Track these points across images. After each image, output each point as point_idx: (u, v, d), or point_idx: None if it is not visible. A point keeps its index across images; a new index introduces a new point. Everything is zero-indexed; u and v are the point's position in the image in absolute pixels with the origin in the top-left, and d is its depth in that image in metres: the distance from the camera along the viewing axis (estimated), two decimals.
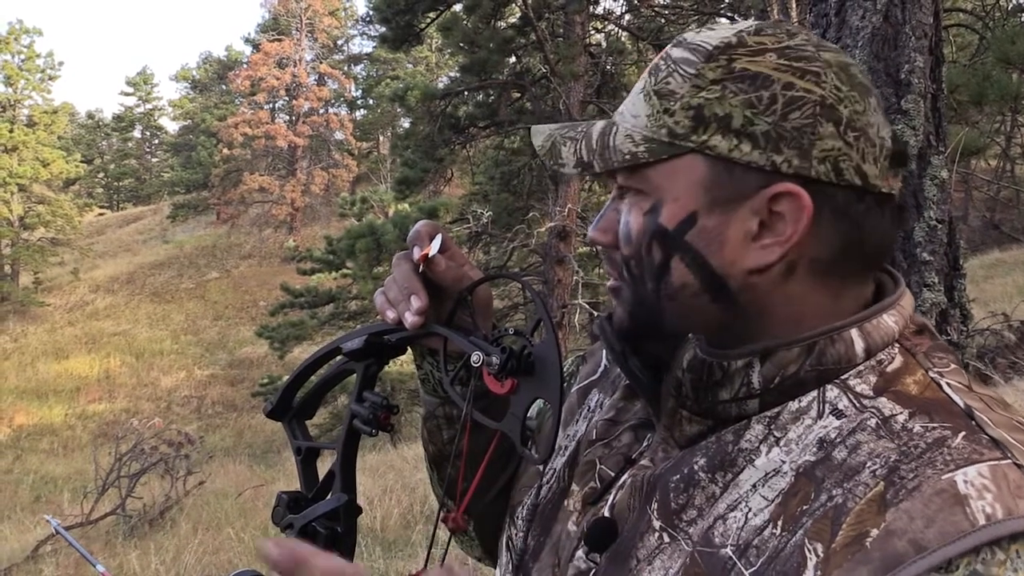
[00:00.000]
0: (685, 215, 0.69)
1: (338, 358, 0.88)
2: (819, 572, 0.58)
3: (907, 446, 0.61)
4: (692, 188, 0.69)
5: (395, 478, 7.57)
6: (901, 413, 0.64)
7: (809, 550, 0.59)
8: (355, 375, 0.87)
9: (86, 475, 13.36)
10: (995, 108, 7.74)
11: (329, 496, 0.84)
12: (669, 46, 0.74)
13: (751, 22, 0.72)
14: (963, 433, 0.61)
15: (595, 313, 10.60)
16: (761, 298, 0.69)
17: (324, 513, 0.81)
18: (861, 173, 0.67)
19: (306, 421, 0.93)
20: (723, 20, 13.65)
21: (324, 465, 0.88)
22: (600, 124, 0.75)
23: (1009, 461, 0.58)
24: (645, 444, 0.78)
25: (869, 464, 0.61)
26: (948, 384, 0.66)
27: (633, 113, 0.72)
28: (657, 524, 0.70)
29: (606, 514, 0.74)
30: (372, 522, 6.07)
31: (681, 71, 0.69)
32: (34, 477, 20.26)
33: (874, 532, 0.57)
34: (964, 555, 0.55)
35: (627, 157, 0.70)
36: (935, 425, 0.62)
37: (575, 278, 11.88)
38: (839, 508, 0.60)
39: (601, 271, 14.00)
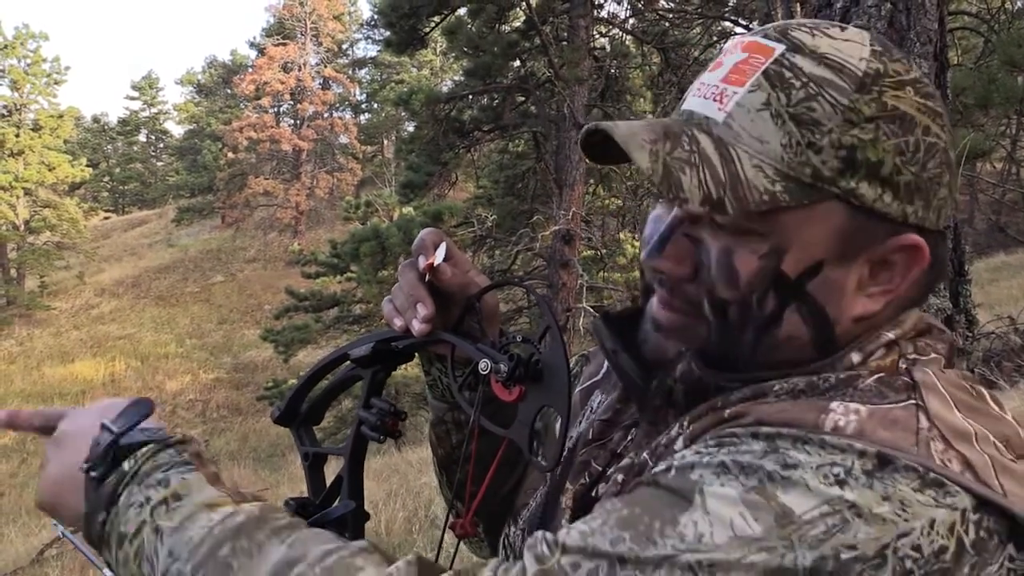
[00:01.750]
0: (812, 263, 0.63)
1: (345, 364, 0.88)
2: (685, 441, 0.63)
3: (819, 380, 0.62)
4: (827, 237, 0.62)
5: (399, 482, 7.57)
6: (843, 376, 0.64)
7: (682, 432, 0.64)
8: (362, 381, 0.87)
9: None
10: (1000, 111, 7.73)
11: (336, 503, 0.84)
12: (779, 46, 0.63)
13: (868, 34, 0.65)
14: (878, 376, 0.60)
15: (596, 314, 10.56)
16: (849, 340, 0.66)
17: (332, 520, 0.81)
18: (948, 217, 0.66)
19: (313, 427, 0.94)
20: (726, 24, 13.64)
21: (331, 470, 0.89)
22: (708, 140, 0.63)
23: (911, 403, 0.58)
24: (629, 439, 0.78)
25: (776, 388, 0.63)
26: (915, 361, 0.65)
27: (759, 136, 0.62)
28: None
29: None
30: (376, 526, 6.06)
31: (831, 97, 0.61)
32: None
33: (737, 409, 0.61)
34: (785, 437, 0.55)
35: (765, 199, 0.61)
36: (857, 373, 0.62)
37: (580, 282, 11.87)
38: (721, 419, 0.63)
39: (605, 274, 13.99)
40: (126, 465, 0.72)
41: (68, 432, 0.79)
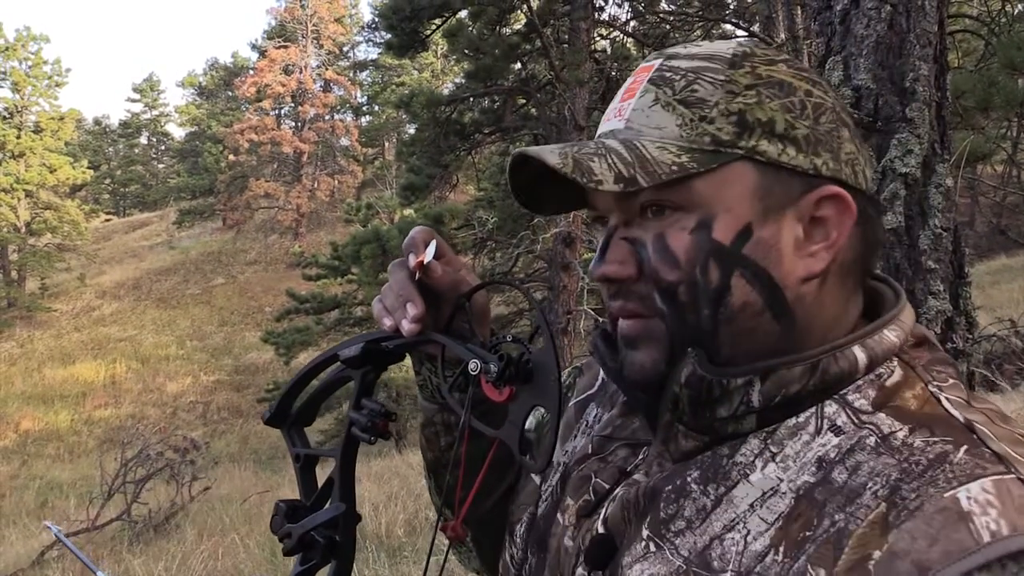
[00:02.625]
0: (741, 227, 0.66)
1: (336, 365, 0.87)
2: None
3: (908, 463, 0.60)
4: (745, 197, 0.66)
5: (400, 484, 7.56)
6: (901, 429, 0.62)
7: (810, 574, 0.58)
8: (353, 382, 0.86)
9: (92, 481, 13.39)
10: (1001, 113, 7.72)
11: (327, 505, 0.83)
12: (657, 60, 0.71)
13: (731, 41, 0.72)
14: (965, 447, 0.59)
15: (600, 319, 10.59)
16: (808, 307, 0.68)
17: (322, 523, 0.81)
18: (866, 177, 0.69)
19: (305, 428, 0.93)
20: (728, 27, 13.66)
21: (326, 470, 0.88)
22: (610, 142, 0.69)
23: (1013, 476, 0.57)
24: (640, 458, 0.76)
25: (870, 485, 0.59)
26: (947, 399, 0.65)
27: (656, 124, 0.68)
28: (645, 533, 0.69)
29: (599, 528, 0.73)
30: (377, 528, 6.05)
31: (708, 78, 0.67)
32: (40, 482, 20.27)
33: (876, 554, 0.56)
34: (968, 573, 0.53)
35: (674, 168, 0.65)
36: (936, 440, 0.61)
37: (580, 284, 11.86)
38: (841, 532, 0.58)
39: None
40: None
41: None
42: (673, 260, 0.67)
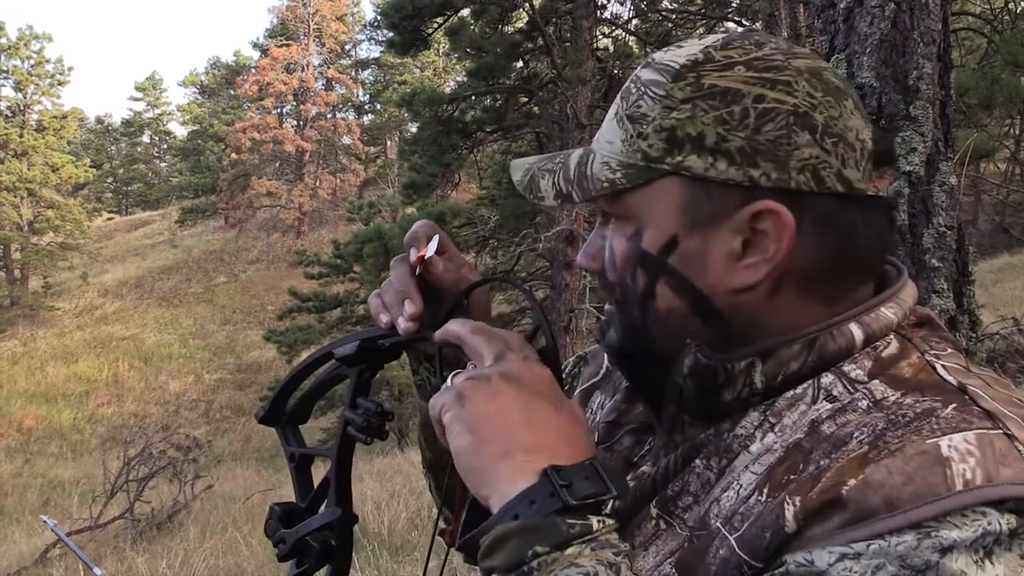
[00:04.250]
0: (666, 239, 0.69)
1: (330, 363, 0.85)
2: (797, 521, 0.58)
3: (895, 415, 0.61)
4: (670, 211, 0.68)
5: (403, 482, 7.57)
6: (893, 394, 0.63)
7: (788, 503, 0.59)
8: (348, 381, 0.84)
9: (95, 479, 13.41)
10: (1004, 111, 7.71)
11: (323, 509, 0.82)
12: (639, 67, 0.73)
13: (719, 36, 0.71)
14: (954, 405, 0.61)
15: (603, 318, 10.58)
16: (751, 314, 0.69)
17: (316, 529, 0.79)
18: (843, 179, 0.66)
19: (300, 426, 0.91)
20: (730, 24, 13.65)
21: (322, 470, 0.87)
22: (577, 153, 0.74)
23: (1000, 431, 0.58)
24: (647, 448, 0.77)
25: (856, 434, 0.61)
26: (944, 366, 0.66)
27: (608, 139, 0.72)
28: (654, 512, 0.70)
29: None
30: (379, 527, 6.06)
31: (651, 93, 0.69)
32: (43, 481, 20.30)
33: (851, 482, 0.57)
34: (935, 518, 0.54)
35: (605, 185, 0.70)
36: (926, 399, 0.62)
37: (583, 282, 11.86)
38: (823, 469, 0.60)
39: None
40: (595, 522, 0.59)
41: (537, 382, 0.67)
42: (613, 263, 0.72)
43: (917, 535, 0.54)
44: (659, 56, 0.72)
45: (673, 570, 0.66)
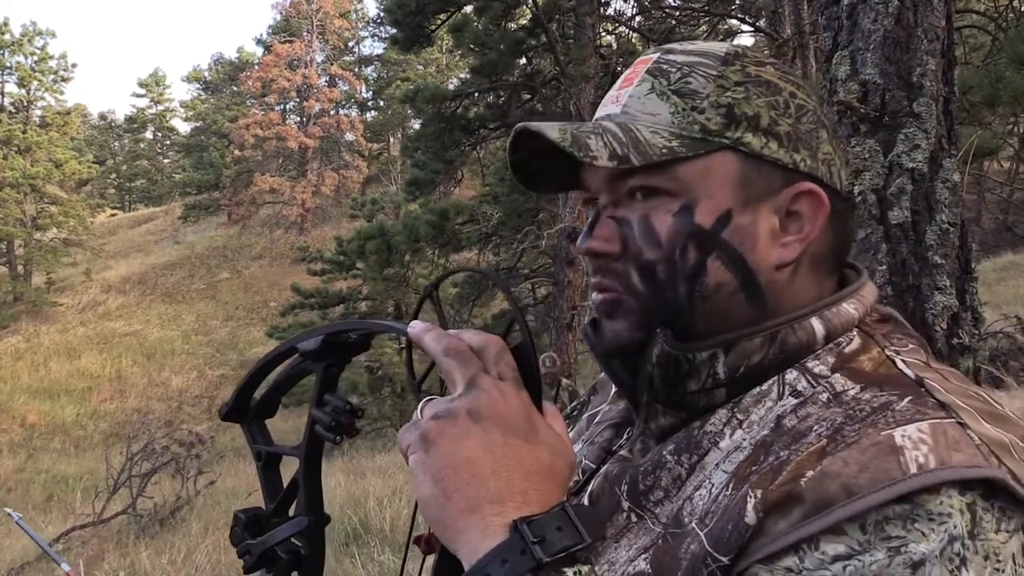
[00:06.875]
0: (722, 212, 0.70)
1: (294, 357, 0.79)
2: (757, 513, 0.59)
3: (853, 410, 0.63)
4: (726, 185, 0.70)
5: (404, 479, 7.57)
6: (853, 388, 0.66)
7: (750, 495, 0.61)
8: (314, 377, 0.78)
9: (98, 474, 13.43)
10: (1008, 109, 7.71)
11: (292, 516, 0.76)
12: (655, 54, 0.76)
13: (724, 43, 0.77)
14: (910, 397, 0.63)
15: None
16: (778, 292, 0.71)
17: (281, 540, 0.74)
18: (841, 178, 0.73)
19: (266, 421, 0.85)
20: (733, 22, 13.62)
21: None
22: (607, 123, 0.73)
23: (952, 420, 0.60)
24: (625, 438, 0.81)
25: (816, 428, 0.63)
26: (904, 361, 0.68)
27: (649, 112, 0.72)
28: (625, 505, 0.72)
29: (584, 502, 0.76)
30: (382, 523, 6.07)
31: (701, 72, 0.72)
32: (46, 476, 20.36)
33: (809, 473, 0.59)
34: (893, 501, 0.56)
35: (664, 151, 0.69)
36: (883, 393, 0.64)
37: (585, 279, 11.86)
38: (783, 462, 0.61)
39: None
40: (570, 574, 0.57)
41: (508, 414, 0.61)
42: (655, 240, 0.71)
43: (888, 552, 0.55)
44: (680, 46, 0.75)
45: (648, 567, 0.67)
